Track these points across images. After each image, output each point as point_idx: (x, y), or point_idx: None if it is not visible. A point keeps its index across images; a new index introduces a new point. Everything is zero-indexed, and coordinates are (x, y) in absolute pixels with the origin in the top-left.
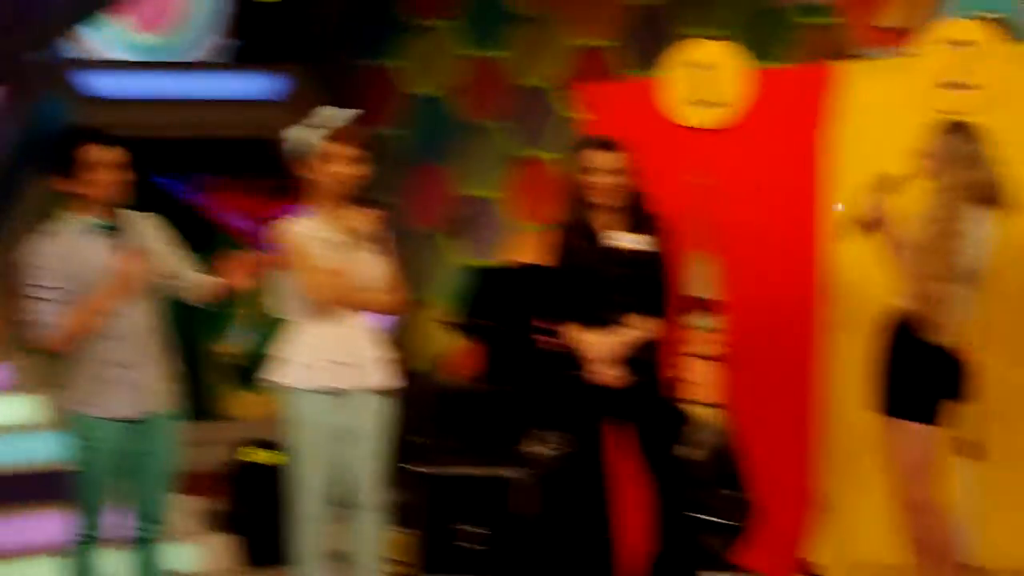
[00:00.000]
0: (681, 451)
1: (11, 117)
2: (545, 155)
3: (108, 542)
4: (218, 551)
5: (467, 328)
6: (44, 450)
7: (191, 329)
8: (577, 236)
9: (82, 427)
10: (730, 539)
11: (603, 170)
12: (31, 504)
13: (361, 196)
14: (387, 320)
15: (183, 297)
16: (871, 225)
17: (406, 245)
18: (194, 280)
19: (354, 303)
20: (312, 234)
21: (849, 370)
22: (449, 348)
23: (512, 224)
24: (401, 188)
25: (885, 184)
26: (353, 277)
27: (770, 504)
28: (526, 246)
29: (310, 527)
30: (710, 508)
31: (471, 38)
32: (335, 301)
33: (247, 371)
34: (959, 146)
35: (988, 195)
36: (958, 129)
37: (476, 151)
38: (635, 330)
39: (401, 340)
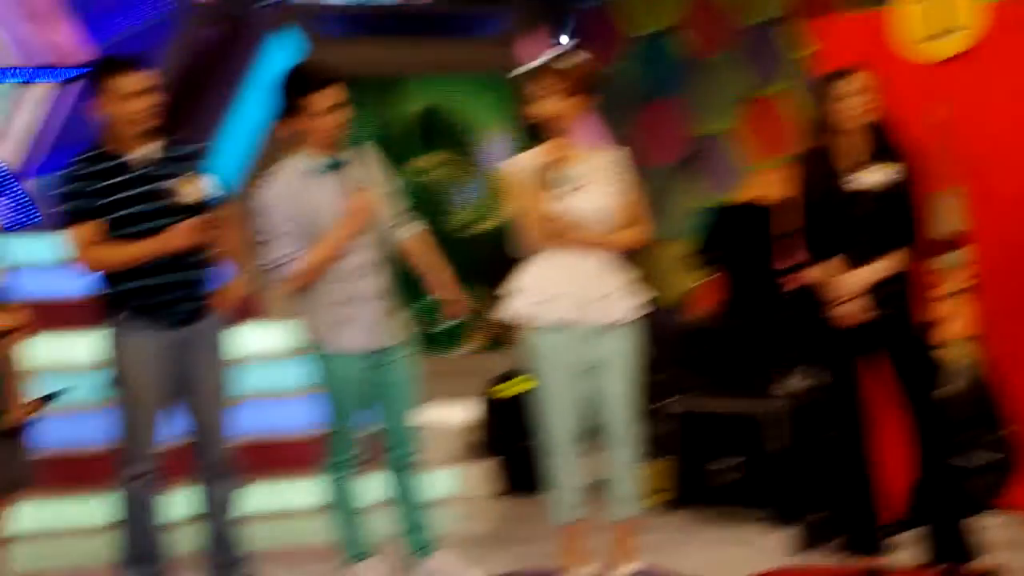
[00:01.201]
0: (938, 391)
1: (238, 58)
2: (774, 91)
3: (364, 469)
4: (476, 478)
5: (705, 265)
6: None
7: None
8: (820, 171)
9: (323, 362)
10: (994, 481)
11: (848, 93)
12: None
13: (586, 132)
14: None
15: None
16: None
17: (641, 183)
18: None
19: (582, 240)
20: (536, 170)
21: None
22: (689, 286)
23: (745, 161)
24: (633, 126)
25: None
26: (578, 214)
27: None
28: (761, 183)
29: (561, 458)
30: (971, 450)
31: None
32: (559, 239)
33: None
34: None
35: None
36: None
37: (706, 88)
38: (883, 265)
39: (642, 277)
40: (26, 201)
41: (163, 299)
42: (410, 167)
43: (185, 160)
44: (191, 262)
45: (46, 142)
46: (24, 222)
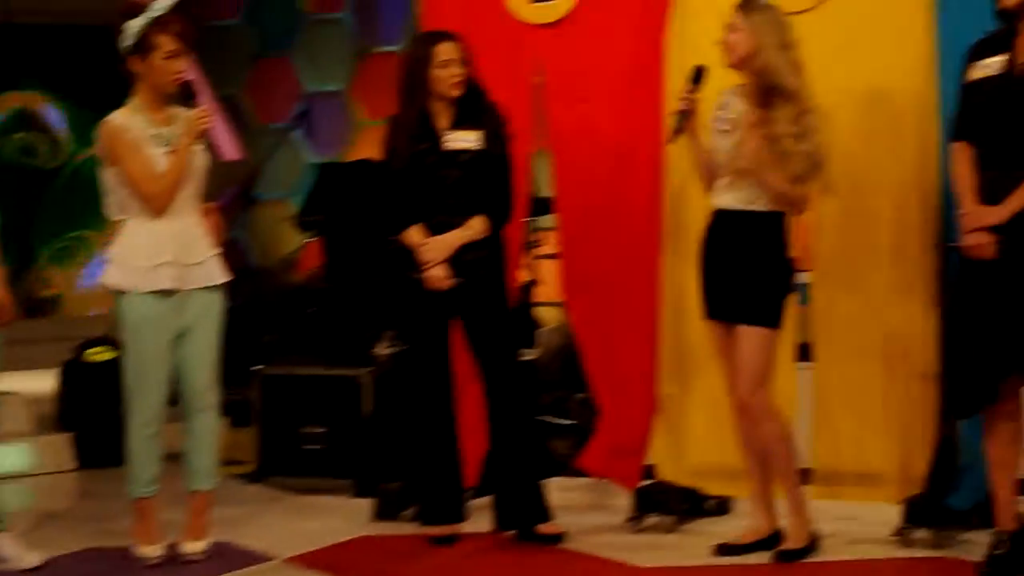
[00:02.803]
0: (525, 352)
1: None
2: (388, 49)
3: None
4: (51, 451)
5: (306, 225)
6: None
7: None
8: (414, 133)
9: None
10: (576, 443)
11: (449, 61)
12: None
13: (188, 90)
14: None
15: None
16: (685, 120)
17: (251, 140)
18: None
19: (186, 199)
20: (137, 129)
21: (687, 273)
22: (294, 246)
23: (358, 119)
24: (245, 81)
25: (698, 76)
26: (180, 173)
27: (615, 408)
28: (371, 142)
29: (146, 428)
30: (555, 411)
31: None
32: (165, 198)
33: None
34: (769, 21)
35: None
36: (764, 5)
37: (321, 44)
38: (471, 230)
39: (245, 237)
40: None
41: None
42: None
43: None
44: None
45: None
46: None
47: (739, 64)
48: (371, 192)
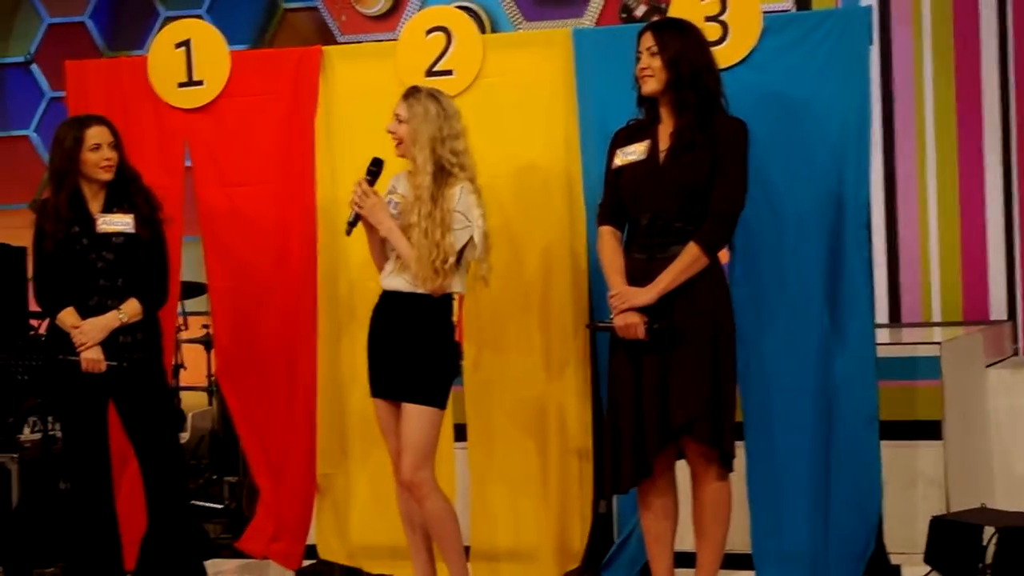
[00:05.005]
0: (177, 436)
1: None
2: (21, 133)
3: None
4: None
5: None
6: None
7: None
8: (65, 216)
9: None
10: (233, 525)
11: (99, 145)
12: None
13: None
14: None
15: None
16: (357, 210)
17: None
18: None
19: None
20: None
21: (343, 355)
22: None
23: None
24: None
25: (371, 169)
26: None
27: (273, 489)
28: (8, 225)
29: None
30: (208, 494)
31: None
32: None
33: None
34: (432, 111)
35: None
36: (428, 94)
37: None
38: (125, 313)
39: None
40: None
41: None
42: None
43: None
44: None
45: None
46: None
47: (406, 154)
48: (9, 277)
